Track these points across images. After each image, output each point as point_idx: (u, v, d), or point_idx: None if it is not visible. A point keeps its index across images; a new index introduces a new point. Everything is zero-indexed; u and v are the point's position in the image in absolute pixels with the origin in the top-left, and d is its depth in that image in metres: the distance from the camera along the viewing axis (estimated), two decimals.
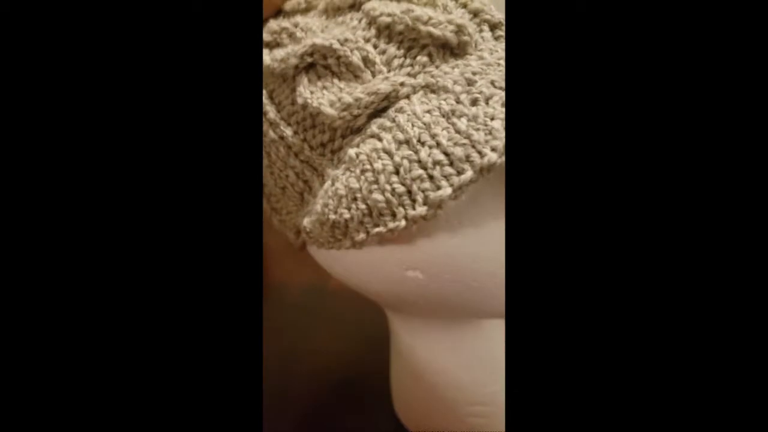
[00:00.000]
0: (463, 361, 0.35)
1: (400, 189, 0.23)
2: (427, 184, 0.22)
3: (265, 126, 0.26)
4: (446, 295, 0.27)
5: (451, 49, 0.25)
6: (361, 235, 0.24)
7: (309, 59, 0.25)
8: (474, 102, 0.23)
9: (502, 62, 0.25)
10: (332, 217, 0.24)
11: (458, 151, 0.22)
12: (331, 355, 0.47)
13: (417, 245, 0.25)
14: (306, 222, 0.26)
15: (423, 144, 0.23)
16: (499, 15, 0.26)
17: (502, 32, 0.26)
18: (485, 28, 0.26)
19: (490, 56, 0.25)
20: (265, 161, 0.28)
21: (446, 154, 0.22)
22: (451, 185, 0.22)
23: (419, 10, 0.25)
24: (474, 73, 0.24)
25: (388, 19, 0.25)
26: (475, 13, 0.26)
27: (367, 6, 0.26)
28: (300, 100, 0.25)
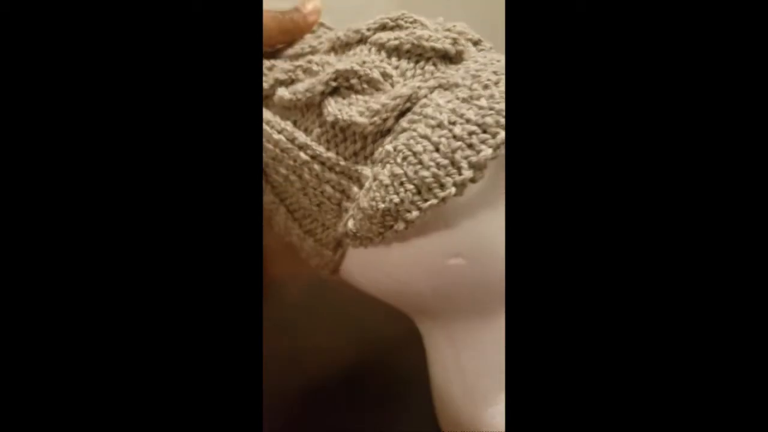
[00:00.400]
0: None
1: (444, 162, 0.26)
2: (468, 152, 0.26)
3: (295, 151, 0.29)
4: (488, 277, 0.29)
5: (450, 59, 0.30)
6: (414, 213, 0.26)
7: (333, 84, 0.29)
8: (486, 87, 0.27)
9: (495, 62, 0.29)
10: (381, 206, 0.26)
11: (488, 120, 0.26)
12: (331, 354, 0.47)
13: (459, 227, 0.28)
14: (350, 224, 0.28)
15: (454, 123, 0.26)
16: (477, 35, 0.32)
17: (483, 47, 0.32)
18: (469, 44, 0.31)
19: (482, 59, 0.30)
20: (297, 184, 0.30)
21: (478, 125, 0.26)
22: (490, 146, 0.25)
23: (420, 31, 0.30)
24: (476, 70, 0.28)
25: (396, 42, 0.29)
26: (459, 34, 0.30)
27: (373, 38, 0.30)
28: (330, 119, 0.28)
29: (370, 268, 0.32)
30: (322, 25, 0.35)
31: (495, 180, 0.27)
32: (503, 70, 0.28)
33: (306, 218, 0.31)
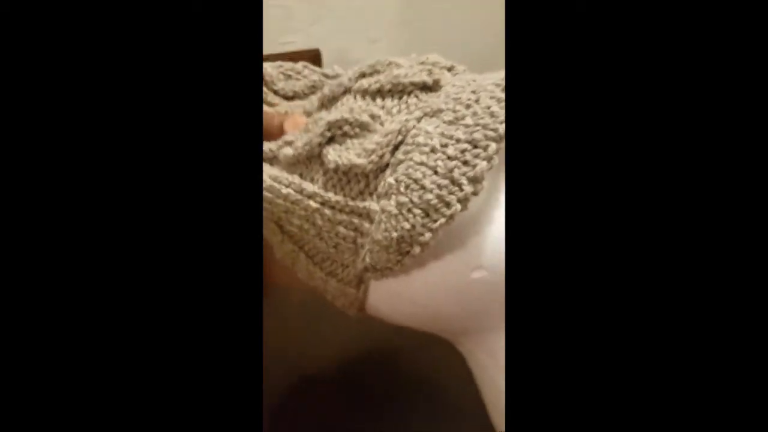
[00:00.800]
0: None
1: (445, 182, 0.27)
2: (464, 168, 0.27)
3: (305, 201, 0.31)
4: None
5: (429, 88, 0.32)
6: (427, 235, 0.28)
7: (328, 134, 0.31)
8: (468, 106, 0.29)
9: (471, 83, 0.31)
10: (395, 234, 0.28)
11: (477, 135, 0.28)
12: (332, 354, 0.47)
13: (473, 241, 0.29)
14: (368, 258, 0.30)
15: (446, 146, 0.28)
16: (450, 62, 0.34)
17: (457, 71, 0.34)
18: (444, 71, 0.33)
19: (459, 82, 0.32)
20: (312, 231, 0.31)
21: (468, 142, 0.28)
22: (484, 159, 0.27)
23: (397, 70, 0.32)
24: (456, 93, 0.30)
25: (377, 85, 0.32)
26: (433, 65, 0.33)
27: (355, 87, 0.33)
28: (332, 165, 0.30)
29: (397, 299, 0.32)
30: (306, 66, 0.38)
31: (492, 187, 0.29)
32: (481, 88, 0.30)
33: (325, 261, 0.33)
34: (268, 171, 0.33)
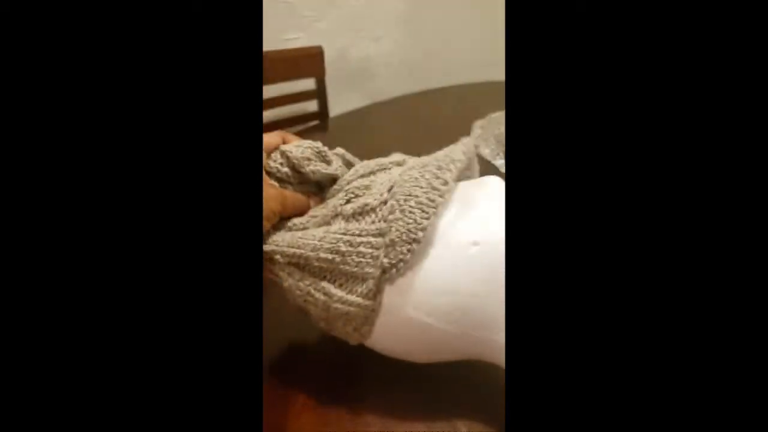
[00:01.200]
0: None
1: (428, 189, 0.41)
2: (438, 180, 0.41)
3: (332, 234, 0.42)
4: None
5: (400, 165, 0.48)
6: (425, 222, 0.39)
7: (346, 198, 0.45)
8: (429, 159, 0.44)
9: (414, 162, 0.46)
10: (404, 229, 0.39)
11: (442, 163, 0.43)
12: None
13: (464, 225, 0.40)
14: (386, 260, 0.39)
15: (423, 174, 0.42)
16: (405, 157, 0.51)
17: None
18: (408, 159, 0.49)
19: (410, 162, 0.47)
20: (338, 259, 0.41)
21: (436, 168, 0.42)
22: (449, 170, 0.42)
23: (376, 160, 0.48)
24: (419, 160, 0.46)
25: (369, 169, 0.47)
26: (400, 157, 0.50)
27: (347, 187, 0.46)
28: (350, 212, 0.43)
29: (414, 296, 0.40)
30: (284, 159, 0.49)
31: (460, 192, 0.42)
32: (425, 159, 0.45)
33: (348, 281, 0.42)
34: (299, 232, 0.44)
